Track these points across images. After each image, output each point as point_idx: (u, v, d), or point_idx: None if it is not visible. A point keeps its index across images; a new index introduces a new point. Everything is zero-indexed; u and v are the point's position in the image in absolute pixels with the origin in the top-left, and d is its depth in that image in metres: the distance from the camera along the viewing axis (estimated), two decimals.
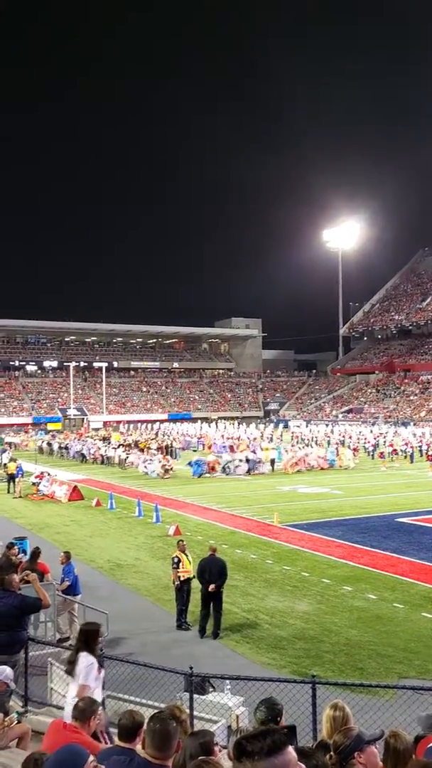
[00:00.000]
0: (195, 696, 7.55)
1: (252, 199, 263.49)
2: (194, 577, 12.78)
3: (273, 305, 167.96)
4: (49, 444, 56.13)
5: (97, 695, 6.12)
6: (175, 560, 13.13)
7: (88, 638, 6.47)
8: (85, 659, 6.28)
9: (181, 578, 12.87)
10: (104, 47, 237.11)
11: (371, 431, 60.39)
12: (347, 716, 4.34)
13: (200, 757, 3.10)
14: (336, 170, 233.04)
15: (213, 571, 12.46)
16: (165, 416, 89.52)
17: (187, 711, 6.68)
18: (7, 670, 6.85)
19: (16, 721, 6.81)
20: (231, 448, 45.61)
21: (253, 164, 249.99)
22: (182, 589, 12.87)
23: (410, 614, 13.04)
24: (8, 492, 31.82)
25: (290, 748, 2.06)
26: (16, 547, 13.28)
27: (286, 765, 2.01)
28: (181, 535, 19.66)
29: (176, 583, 13.00)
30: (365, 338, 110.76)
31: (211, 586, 12.30)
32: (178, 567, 13.01)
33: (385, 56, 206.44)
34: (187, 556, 13.16)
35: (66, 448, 51.46)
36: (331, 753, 3.57)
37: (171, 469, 37.60)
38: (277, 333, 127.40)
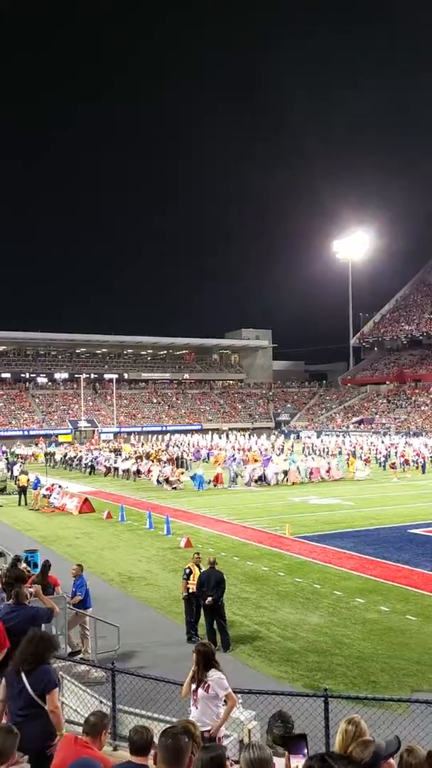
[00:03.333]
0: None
1: (262, 210, 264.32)
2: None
3: (283, 316, 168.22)
4: (52, 455, 56.25)
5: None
6: (187, 571, 13.12)
7: (208, 658, 6.80)
8: (216, 673, 6.72)
9: (190, 590, 12.86)
10: (143, 47, 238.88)
11: (382, 442, 60.14)
12: (361, 731, 4.31)
13: None
14: (345, 181, 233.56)
15: (210, 583, 12.45)
16: (175, 427, 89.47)
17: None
18: None
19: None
20: (244, 460, 45.55)
21: (262, 175, 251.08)
22: (190, 601, 12.86)
23: (423, 626, 12.94)
24: (19, 504, 31.88)
25: None
26: (25, 560, 13.27)
27: None
28: (192, 547, 19.62)
29: (184, 594, 13.00)
30: (376, 349, 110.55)
31: (208, 599, 12.26)
32: (188, 578, 12.99)
33: (394, 67, 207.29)
34: (199, 568, 13.13)
35: (79, 459, 51.56)
36: None
37: (178, 480, 37.54)
38: (288, 344, 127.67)
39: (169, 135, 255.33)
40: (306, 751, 2.70)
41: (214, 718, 6.75)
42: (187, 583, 12.95)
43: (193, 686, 6.88)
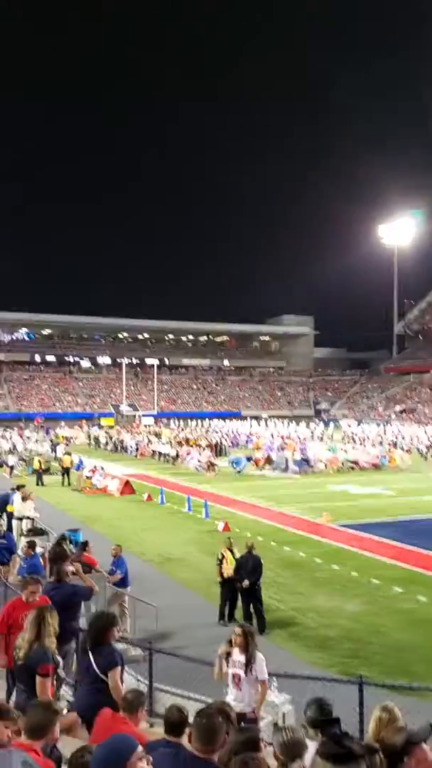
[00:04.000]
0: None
1: (305, 195, 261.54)
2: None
3: (326, 302, 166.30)
4: (96, 439, 57.15)
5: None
6: (219, 557, 13.31)
7: (254, 640, 7.07)
8: (260, 657, 6.99)
9: (224, 575, 13.00)
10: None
11: (425, 432, 59.31)
12: (395, 718, 4.31)
13: (247, 753, 3.12)
14: (391, 164, 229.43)
15: (248, 567, 12.55)
16: (214, 414, 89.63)
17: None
18: (59, 659, 7.00)
19: (65, 711, 6.96)
20: (281, 447, 45.52)
21: (304, 159, 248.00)
22: (225, 586, 13.00)
23: None
24: (63, 485, 32.46)
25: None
26: (68, 538, 13.52)
27: None
28: (229, 532, 19.72)
29: (218, 579, 13.15)
30: (420, 336, 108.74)
31: (245, 583, 12.38)
32: (221, 564, 13.14)
33: None
34: (233, 553, 13.24)
35: (121, 442, 52.34)
36: (380, 755, 3.54)
37: (215, 465, 37.70)
38: (330, 331, 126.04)
39: (217, 120, 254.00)
40: (339, 733, 2.71)
41: (255, 699, 6.88)
42: (221, 569, 13.10)
43: (233, 669, 6.99)
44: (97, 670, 5.64)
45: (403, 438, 54.83)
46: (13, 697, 6.10)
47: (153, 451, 47.02)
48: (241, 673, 6.97)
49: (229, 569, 12.99)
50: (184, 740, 4.20)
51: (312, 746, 4.02)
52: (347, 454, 41.12)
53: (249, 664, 6.94)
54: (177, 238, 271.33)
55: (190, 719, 4.17)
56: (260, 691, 6.98)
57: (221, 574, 13.07)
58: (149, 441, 51.53)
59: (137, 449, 48.71)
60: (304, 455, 39.69)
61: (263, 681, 6.98)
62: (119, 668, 5.75)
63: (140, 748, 2.91)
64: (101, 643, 5.78)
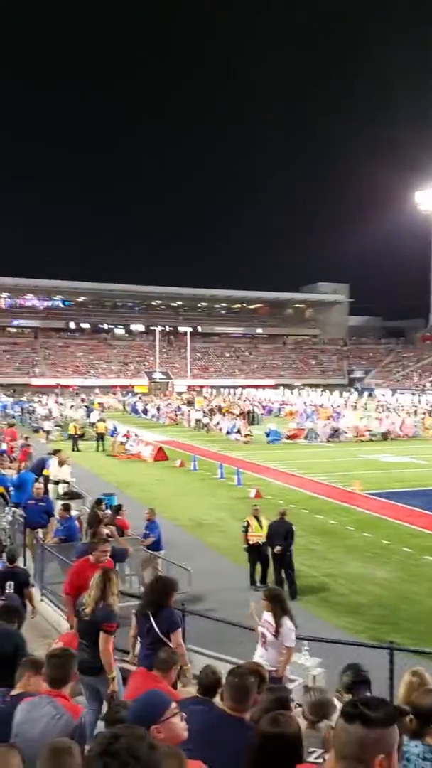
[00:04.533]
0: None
1: (341, 161, 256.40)
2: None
3: (361, 270, 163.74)
4: (133, 406, 57.67)
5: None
6: (245, 524, 13.49)
7: (281, 604, 7.24)
8: (288, 624, 7.11)
9: (250, 542, 13.18)
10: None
11: None
12: (426, 682, 4.34)
13: (277, 711, 3.18)
14: (429, 130, 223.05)
15: (280, 534, 12.71)
16: (247, 382, 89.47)
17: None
18: None
19: None
20: (314, 415, 45.45)
21: (342, 124, 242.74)
22: (251, 552, 13.22)
23: None
24: (97, 450, 32.92)
25: (419, 743, 2.09)
26: (104, 503, 13.76)
27: (395, 740, 2.06)
28: (261, 498, 19.83)
29: (245, 546, 13.36)
30: None
31: (277, 548, 12.55)
32: (246, 531, 13.33)
33: None
34: (259, 521, 13.35)
35: (157, 409, 52.81)
36: (411, 717, 3.58)
37: (250, 434, 37.80)
38: (365, 298, 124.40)
39: (249, 88, 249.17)
40: (369, 695, 2.75)
41: (279, 661, 7.01)
42: (247, 536, 13.26)
43: (262, 629, 7.13)
44: (159, 632, 5.87)
45: None
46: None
47: (181, 416, 47.32)
48: (269, 634, 7.10)
49: (254, 536, 13.18)
50: (217, 700, 4.29)
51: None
52: (380, 423, 40.85)
53: (277, 628, 7.06)
54: (213, 205, 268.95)
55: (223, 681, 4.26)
56: (285, 655, 7.09)
57: (247, 541, 13.26)
58: (179, 408, 51.83)
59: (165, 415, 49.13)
60: (336, 424, 39.60)
61: (289, 648, 7.12)
62: (179, 630, 6.13)
63: (174, 704, 2.98)
64: (163, 606, 6.03)
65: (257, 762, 2.80)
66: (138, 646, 6.53)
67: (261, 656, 7.05)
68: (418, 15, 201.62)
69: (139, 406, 56.38)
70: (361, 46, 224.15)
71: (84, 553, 8.40)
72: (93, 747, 1.92)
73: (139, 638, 6.38)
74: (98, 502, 13.48)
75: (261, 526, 13.26)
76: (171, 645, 5.79)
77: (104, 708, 5.61)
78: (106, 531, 9.35)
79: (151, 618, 5.95)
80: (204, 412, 47.29)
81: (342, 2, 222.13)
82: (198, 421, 44.66)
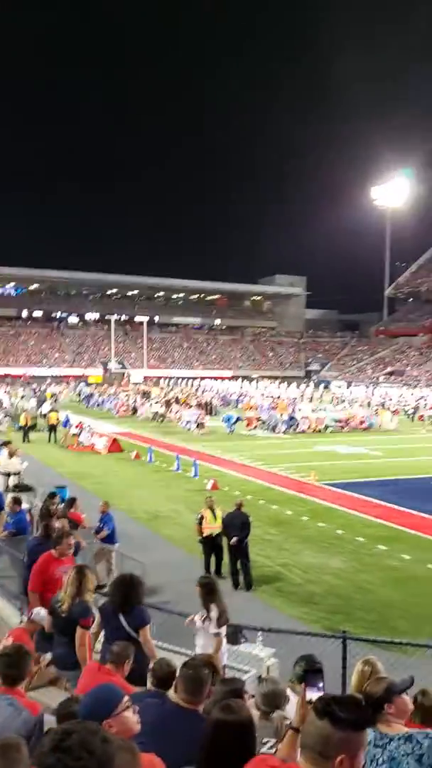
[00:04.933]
0: (227, 646, 7.71)
1: (299, 155, 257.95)
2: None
3: (318, 264, 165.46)
4: (85, 396, 57.07)
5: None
6: (199, 516, 13.48)
7: (212, 593, 7.24)
8: (215, 613, 7.17)
9: (204, 534, 13.19)
10: None
11: (412, 394, 59.68)
12: (377, 671, 4.39)
13: (228, 699, 3.16)
14: (385, 126, 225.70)
15: (236, 525, 12.73)
16: (205, 373, 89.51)
17: (219, 660, 6.89)
18: (42, 612, 7.08)
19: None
20: (272, 407, 45.77)
21: (298, 119, 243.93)
22: (205, 544, 13.24)
23: None
24: (49, 441, 32.51)
25: (367, 731, 2.09)
26: (57, 497, 13.58)
27: (361, 745, 2.06)
28: (217, 490, 19.87)
29: (199, 538, 13.36)
30: (411, 300, 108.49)
31: (233, 539, 12.57)
32: (201, 523, 13.33)
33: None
34: (213, 512, 13.36)
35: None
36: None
37: (204, 423, 37.81)
38: (322, 292, 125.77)
39: (198, 75, 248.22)
40: (321, 684, 2.75)
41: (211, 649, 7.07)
42: (201, 528, 13.26)
43: (196, 618, 7.18)
44: (128, 629, 5.88)
45: (390, 400, 55.18)
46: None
47: (135, 408, 47.09)
48: (198, 621, 7.27)
49: (208, 528, 13.18)
50: (171, 693, 4.26)
51: (294, 699, 4.10)
52: (335, 415, 41.35)
53: (205, 616, 7.20)
54: (170, 195, 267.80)
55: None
56: (214, 645, 7.16)
57: (201, 533, 13.27)
58: (135, 400, 51.55)
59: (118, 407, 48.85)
60: (292, 415, 40.00)
61: (215, 634, 7.19)
62: (148, 626, 6.08)
63: (126, 698, 2.93)
64: (130, 604, 5.99)
65: (209, 750, 2.78)
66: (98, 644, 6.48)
67: (197, 645, 7.14)
68: (375, 15, 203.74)
69: (95, 397, 55.81)
70: (317, 44, 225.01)
71: (35, 548, 8.28)
72: (45, 743, 1.87)
73: (103, 634, 6.30)
74: (51, 495, 13.29)
75: (215, 518, 13.25)
76: (140, 641, 5.82)
77: None
78: (57, 524, 9.20)
79: (121, 616, 5.92)
80: (161, 403, 47.12)
81: (306, 7, 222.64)
82: (155, 412, 44.49)
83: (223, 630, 7.22)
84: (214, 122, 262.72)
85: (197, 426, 37.41)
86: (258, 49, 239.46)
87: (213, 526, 13.16)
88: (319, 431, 38.19)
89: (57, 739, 1.84)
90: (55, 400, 49.78)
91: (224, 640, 7.28)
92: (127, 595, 6.02)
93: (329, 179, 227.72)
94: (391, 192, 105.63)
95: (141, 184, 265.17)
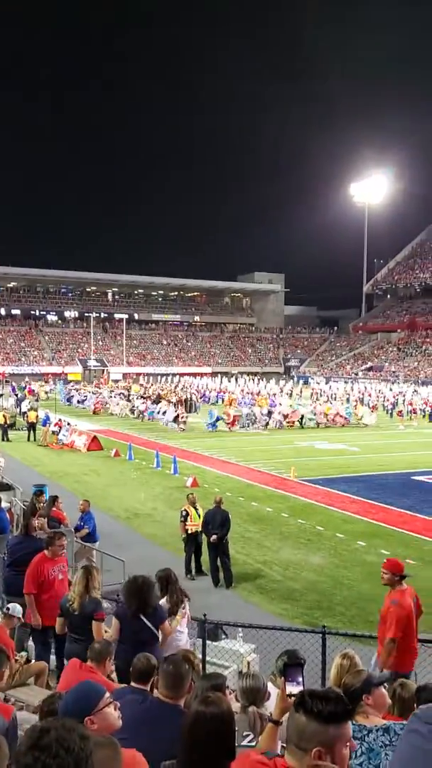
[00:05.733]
0: (208, 642, 7.76)
1: (278, 152, 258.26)
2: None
3: (297, 260, 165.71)
4: (66, 394, 56.78)
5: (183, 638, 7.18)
6: (183, 513, 13.43)
7: (167, 584, 7.32)
8: (163, 602, 7.11)
9: (189, 531, 13.18)
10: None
11: (390, 389, 60.15)
12: (355, 665, 4.46)
13: (208, 693, 3.20)
14: (364, 122, 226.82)
15: (216, 521, 12.73)
16: (185, 369, 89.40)
17: (200, 656, 6.93)
18: (18, 607, 7.11)
19: (32, 660, 7.08)
20: (252, 403, 45.91)
21: (279, 117, 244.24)
22: (189, 542, 13.19)
23: (422, 571, 13.16)
24: (28, 440, 32.32)
25: (348, 724, 2.12)
26: (44, 494, 13.53)
27: (338, 737, 2.07)
28: (197, 487, 19.91)
29: (183, 535, 13.33)
30: (388, 296, 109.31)
31: (213, 537, 12.58)
32: (185, 520, 13.31)
33: (414, 3, 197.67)
34: (196, 509, 13.38)
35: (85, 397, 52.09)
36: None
37: (185, 421, 37.79)
38: (300, 288, 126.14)
39: (180, 73, 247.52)
40: (301, 678, 2.79)
41: (174, 643, 7.00)
42: (185, 525, 13.25)
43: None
44: (153, 629, 6.19)
45: (369, 395, 55.57)
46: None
47: (116, 405, 46.97)
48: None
49: (193, 525, 13.17)
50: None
51: (275, 694, 4.16)
52: (314, 410, 41.55)
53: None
54: (149, 192, 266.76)
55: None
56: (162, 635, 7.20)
57: (185, 530, 13.24)
58: (118, 395, 51.37)
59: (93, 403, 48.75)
60: (271, 410, 40.17)
61: (162, 627, 7.11)
62: (167, 620, 6.53)
63: (108, 694, 2.97)
64: (151, 605, 6.24)
65: (188, 741, 2.81)
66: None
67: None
68: (356, 18, 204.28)
69: (74, 395, 55.42)
70: (299, 44, 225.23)
71: (15, 546, 8.28)
72: (23, 741, 1.89)
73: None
74: (39, 493, 13.26)
75: (199, 515, 13.29)
76: (163, 634, 6.29)
77: None
78: (36, 523, 9.20)
79: (143, 618, 6.14)
80: (143, 400, 46.93)
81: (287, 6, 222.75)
82: (134, 408, 44.33)
83: (177, 621, 7.18)
84: (194, 120, 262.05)
85: (174, 420, 37.37)
86: (240, 47, 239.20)
87: (197, 523, 13.16)
88: (299, 423, 38.50)
89: (34, 737, 1.86)
90: (36, 399, 49.46)
91: (183, 631, 7.28)
92: (146, 599, 6.23)
93: (308, 176, 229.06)
94: (369, 189, 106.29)
95: (120, 183, 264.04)
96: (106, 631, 6.42)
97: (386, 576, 7.38)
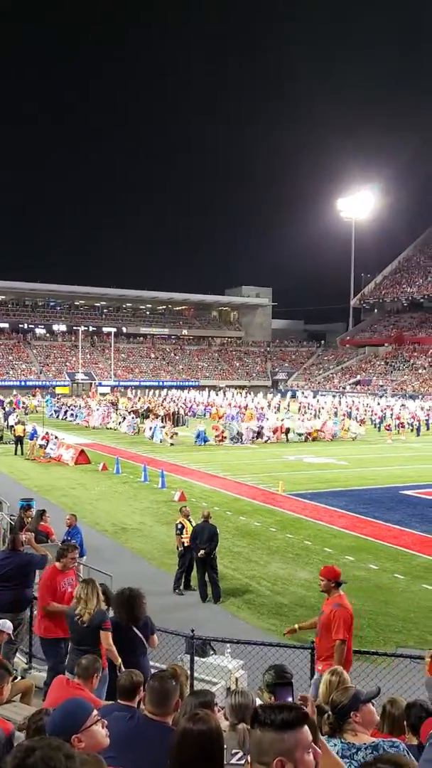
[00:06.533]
0: (196, 658, 7.71)
1: (266, 167, 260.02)
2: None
3: (284, 274, 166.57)
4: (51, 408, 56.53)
5: None
6: (179, 526, 13.30)
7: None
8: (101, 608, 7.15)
9: (185, 544, 13.04)
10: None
11: (378, 403, 60.34)
12: (344, 681, 4.45)
13: (196, 710, 3.18)
14: (351, 138, 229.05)
15: (204, 536, 12.66)
16: (173, 383, 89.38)
17: (187, 671, 6.88)
18: (8, 623, 7.04)
19: (19, 677, 7.01)
20: (240, 417, 45.90)
21: (267, 132, 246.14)
22: (185, 555, 13.07)
23: (410, 585, 13.19)
24: (15, 454, 32.13)
25: (304, 729, 2.09)
26: (21, 508, 13.43)
27: (297, 743, 2.05)
28: (185, 501, 19.83)
29: (180, 548, 13.19)
30: (376, 310, 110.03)
31: (201, 552, 12.51)
32: (181, 533, 13.19)
33: (399, 23, 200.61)
34: (190, 522, 13.31)
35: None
36: (329, 713, 3.66)
37: (174, 435, 37.74)
38: (288, 302, 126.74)
39: (168, 89, 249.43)
40: (291, 698, 2.77)
41: None
42: (181, 538, 13.15)
43: None
44: (145, 640, 6.41)
45: (357, 409, 55.72)
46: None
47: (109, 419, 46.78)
48: None
49: (188, 538, 13.07)
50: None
51: None
52: (302, 424, 41.60)
53: None
54: (137, 206, 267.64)
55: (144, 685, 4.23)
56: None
57: (182, 544, 13.11)
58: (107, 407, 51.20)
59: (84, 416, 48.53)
60: (259, 425, 40.17)
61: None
62: (155, 633, 6.72)
63: (95, 711, 2.94)
64: (140, 617, 6.42)
65: (176, 759, 2.78)
66: None
67: None
68: (344, 41, 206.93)
69: (67, 410, 55.15)
70: (288, 61, 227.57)
71: (3, 561, 8.21)
72: (8, 761, 1.87)
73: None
74: (26, 507, 13.16)
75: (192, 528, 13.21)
76: (151, 646, 6.57)
77: None
78: (24, 537, 9.14)
79: (135, 629, 6.32)
80: (134, 414, 46.81)
81: (273, 19, 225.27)
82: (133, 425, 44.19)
83: None
84: (182, 136, 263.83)
85: (164, 433, 37.32)
86: (231, 65, 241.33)
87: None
88: (286, 434, 38.57)
89: (20, 756, 1.84)
90: (25, 412, 49.22)
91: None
92: (135, 610, 6.37)
93: (296, 191, 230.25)
94: (356, 204, 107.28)
95: (109, 199, 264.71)
96: None
97: (323, 583, 7.43)
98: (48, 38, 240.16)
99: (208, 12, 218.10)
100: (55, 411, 55.17)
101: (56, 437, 33.41)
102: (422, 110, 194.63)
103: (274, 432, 39.28)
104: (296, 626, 7.93)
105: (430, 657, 5.18)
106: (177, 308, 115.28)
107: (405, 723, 4.32)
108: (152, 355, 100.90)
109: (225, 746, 2.95)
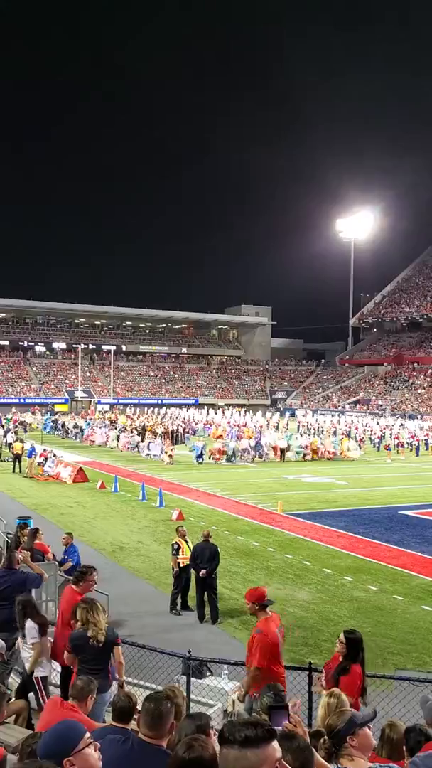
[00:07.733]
0: (192, 679, 7.62)
1: (266, 187, 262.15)
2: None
3: (284, 294, 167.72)
4: (54, 423, 56.47)
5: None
6: (175, 546, 13.18)
7: (25, 609, 7.32)
8: (29, 623, 7.25)
9: (181, 564, 12.93)
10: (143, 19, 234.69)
11: (378, 423, 60.27)
12: (342, 703, 4.38)
13: (192, 735, 3.12)
14: (351, 159, 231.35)
15: (205, 556, 12.55)
16: (172, 401, 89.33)
17: (183, 693, 6.79)
18: (1, 643, 6.97)
19: (13, 698, 6.91)
20: (239, 436, 45.79)
21: (267, 153, 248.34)
22: (181, 576, 12.95)
23: (410, 606, 13.08)
24: (13, 471, 32.01)
25: (272, 746, 2.04)
26: (19, 526, 13.34)
27: (261, 761, 2.00)
28: (183, 520, 19.72)
29: (175, 569, 13.07)
30: (375, 330, 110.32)
31: (202, 572, 12.40)
32: (177, 553, 13.05)
33: (401, 46, 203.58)
34: (187, 542, 13.20)
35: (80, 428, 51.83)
36: (325, 737, 3.60)
37: (171, 454, 37.60)
38: (287, 322, 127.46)
39: (170, 110, 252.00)
40: (286, 722, 2.73)
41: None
42: (177, 559, 13.03)
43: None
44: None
45: (356, 429, 55.64)
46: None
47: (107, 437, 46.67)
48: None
49: (184, 559, 12.94)
50: (133, 725, 4.20)
51: None
52: (301, 442, 41.51)
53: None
54: (138, 226, 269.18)
55: (139, 707, 4.17)
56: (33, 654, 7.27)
57: (177, 564, 12.97)
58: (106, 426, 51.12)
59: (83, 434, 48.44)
60: (258, 443, 40.09)
61: (33, 644, 7.24)
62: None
63: (88, 734, 2.88)
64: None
65: None
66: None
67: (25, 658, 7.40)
68: (345, 64, 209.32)
69: (68, 425, 55.02)
70: (287, 82, 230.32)
71: (1, 579, 8.14)
72: None
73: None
74: (23, 526, 13.08)
75: (189, 548, 13.10)
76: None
77: None
78: (19, 555, 9.07)
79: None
80: (135, 433, 46.72)
81: (276, 42, 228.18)
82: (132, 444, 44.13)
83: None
84: (183, 156, 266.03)
85: (167, 456, 37.22)
86: (229, 85, 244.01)
87: (188, 556, 12.93)
88: (283, 453, 38.45)
89: None
90: (24, 430, 49.14)
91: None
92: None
93: (296, 212, 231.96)
94: (355, 225, 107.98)
95: (110, 218, 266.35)
96: None
97: (248, 606, 7.36)
98: (49, 46, 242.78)
99: (208, 35, 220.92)
100: (52, 426, 55.24)
101: (54, 455, 33.32)
102: (421, 132, 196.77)
103: (274, 449, 39.18)
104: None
105: None
106: (176, 327, 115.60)
107: (404, 747, 4.25)
108: (151, 373, 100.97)
109: None
